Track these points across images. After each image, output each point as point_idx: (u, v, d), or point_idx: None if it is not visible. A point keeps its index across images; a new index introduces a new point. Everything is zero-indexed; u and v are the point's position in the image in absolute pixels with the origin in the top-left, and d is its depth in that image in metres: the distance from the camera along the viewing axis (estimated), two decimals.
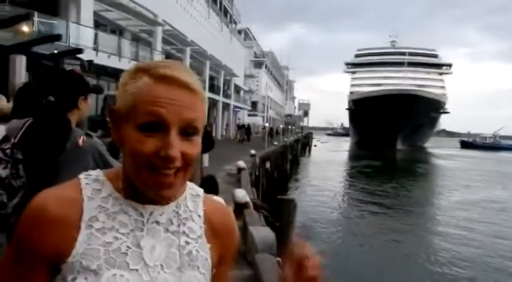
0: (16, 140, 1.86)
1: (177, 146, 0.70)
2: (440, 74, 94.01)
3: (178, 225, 0.80)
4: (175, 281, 0.76)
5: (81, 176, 0.79)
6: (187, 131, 0.72)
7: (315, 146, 61.61)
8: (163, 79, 0.71)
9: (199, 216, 0.84)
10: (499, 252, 12.11)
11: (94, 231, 0.73)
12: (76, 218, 0.73)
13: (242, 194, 5.99)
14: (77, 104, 2.01)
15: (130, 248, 0.74)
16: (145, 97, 0.70)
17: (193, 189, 0.87)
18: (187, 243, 0.80)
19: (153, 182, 0.71)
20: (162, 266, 0.76)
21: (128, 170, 0.74)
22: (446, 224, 15.61)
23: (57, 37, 12.99)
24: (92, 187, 0.77)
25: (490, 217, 17.05)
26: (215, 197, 0.94)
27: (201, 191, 0.88)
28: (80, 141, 1.87)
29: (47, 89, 2.04)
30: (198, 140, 0.74)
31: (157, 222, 0.78)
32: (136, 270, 0.73)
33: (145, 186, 0.72)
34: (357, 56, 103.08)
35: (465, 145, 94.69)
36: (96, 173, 0.80)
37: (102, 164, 1.86)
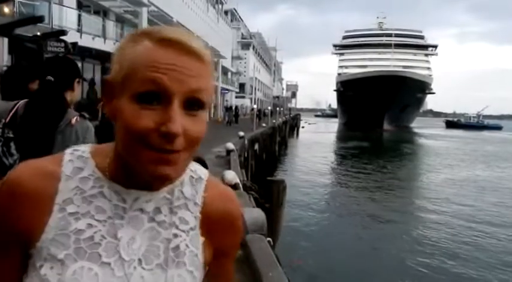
0: (7, 120, 1.87)
1: (180, 122, 0.59)
2: (426, 55, 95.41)
3: (167, 215, 0.70)
4: (153, 280, 0.66)
5: (68, 150, 0.70)
6: (192, 105, 0.61)
7: (302, 127, 61.86)
8: (167, 43, 0.60)
9: (195, 204, 0.72)
10: (481, 229, 12.39)
11: (67, 216, 0.65)
12: (50, 198, 0.65)
13: (231, 176, 6.01)
14: (73, 86, 2.07)
15: (105, 238, 0.65)
16: (144, 62, 0.60)
17: (195, 171, 0.75)
18: (175, 236, 0.69)
19: (151, 158, 0.60)
20: (140, 260, 0.66)
21: (121, 147, 0.63)
22: (430, 202, 15.90)
23: (40, 19, 12.72)
24: (74, 165, 0.68)
25: (473, 195, 17.43)
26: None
27: (204, 173, 0.76)
28: (73, 121, 1.91)
29: (39, 71, 2.08)
30: (204, 115, 0.63)
31: (141, 210, 0.68)
32: (109, 264, 0.64)
33: (141, 165, 0.61)
34: (345, 37, 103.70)
35: (450, 125, 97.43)
36: (83, 148, 0.71)
37: None
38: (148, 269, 0.66)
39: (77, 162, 0.68)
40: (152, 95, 0.59)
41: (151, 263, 0.67)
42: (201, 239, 0.72)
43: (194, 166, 0.75)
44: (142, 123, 0.59)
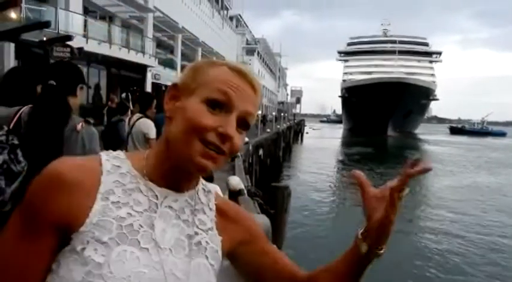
0: (11, 127, 1.85)
1: (234, 131, 0.75)
2: (430, 62, 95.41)
3: (190, 215, 0.81)
4: (184, 266, 0.76)
5: (102, 153, 0.79)
6: (242, 123, 0.77)
7: (307, 133, 61.78)
8: (239, 72, 0.78)
9: (210, 209, 0.86)
10: (483, 236, 12.33)
11: (109, 204, 0.73)
12: (93, 188, 0.73)
13: (236, 181, 5.97)
14: (75, 91, 2.06)
15: (142, 227, 0.74)
16: (221, 79, 0.76)
17: (205, 185, 0.89)
18: (196, 233, 0.81)
19: (201, 151, 0.73)
20: (171, 250, 0.76)
21: (175, 137, 0.75)
22: (437, 209, 15.80)
23: (46, 24, 12.80)
24: (112, 163, 0.77)
25: (476, 202, 17.34)
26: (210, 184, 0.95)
27: (213, 188, 0.91)
28: (79, 127, 1.90)
29: (40, 75, 2.05)
30: (244, 136, 0.79)
31: (170, 207, 0.78)
32: (147, 249, 0.72)
33: (191, 154, 0.73)
34: (349, 44, 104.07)
35: (454, 131, 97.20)
36: (117, 152, 0.81)
37: (90, 153, 1.85)
38: (179, 257, 0.76)
39: (114, 161, 0.78)
40: (220, 103, 0.75)
41: (180, 253, 0.77)
42: (219, 238, 0.84)
43: (203, 181, 0.89)
44: (206, 120, 0.73)
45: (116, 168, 0.77)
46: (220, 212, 0.88)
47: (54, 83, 1.95)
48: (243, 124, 0.77)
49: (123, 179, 0.76)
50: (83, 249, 0.69)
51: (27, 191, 0.73)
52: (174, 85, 0.80)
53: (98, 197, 0.72)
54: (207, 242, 0.81)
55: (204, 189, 0.88)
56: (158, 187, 0.78)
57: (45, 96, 1.96)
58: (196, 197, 0.84)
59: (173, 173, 0.79)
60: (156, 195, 0.77)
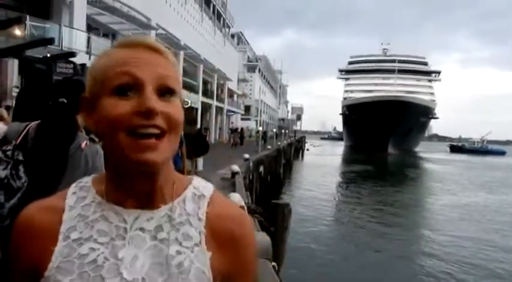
0: (18, 142, 1.86)
1: (156, 101, 0.64)
2: (429, 80, 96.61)
3: (170, 232, 0.70)
4: None
5: (73, 184, 0.75)
6: (164, 89, 0.66)
7: (307, 150, 61.79)
8: (128, 45, 0.68)
9: (199, 219, 0.72)
10: (483, 252, 12.30)
11: (71, 243, 0.68)
12: (55, 230, 0.69)
13: (237, 198, 5.96)
14: None
15: (108, 259, 0.67)
16: (115, 62, 0.66)
17: (197, 188, 0.75)
18: (178, 252, 0.69)
19: (134, 145, 0.63)
20: (144, 279, 0.66)
21: (106, 142, 0.67)
22: (434, 226, 15.78)
23: (50, 41, 12.95)
24: (78, 195, 0.72)
25: (474, 221, 17.30)
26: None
27: (208, 190, 0.76)
28: (83, 145, 1.89)
29: (50, 93, 2.06)
30: (177, 102, 0.68)
31: (142, 229, 0.69)
32: None
33: (125, 154, 0.64)
34: (350, 63, 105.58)
35: (454, 149, 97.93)
36: (86, 179, 0.75)
37: (93, 171, 1.86)
38: None
39: (80, 193, 0.73)
40: (127, 86, 0.65)
41: (156, 281, 0.67)
42: (208, 254, 0.70)
43: (198, 183, 0.76)
44: (120, 109, 0.64)
45: (80, 201, 0.71)
46: (211, 226, 0.72)
47: (65, 101, 1.96)
48: (166, 91, 0.66)
49: (86, 211, 0.70)
50: None
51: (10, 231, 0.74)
52: (82, 99, 0.71)
53: (59, 238, 0.69)
54: (191, 261, 0.69)
55: (195, 193, 0.74)
56: (126, 209, 0.69)
57: (53, 114, 1.97)
58: (179, 207, 0.72)
59: (134, 187, 0.69)
60: (124, 219, 0.69)
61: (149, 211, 0.70)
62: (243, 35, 69.19)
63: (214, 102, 38.61)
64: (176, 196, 0.72)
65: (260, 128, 35.35)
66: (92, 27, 20.69)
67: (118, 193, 0.70)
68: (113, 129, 0.64)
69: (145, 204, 0.70)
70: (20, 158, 1.82)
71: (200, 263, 0.69)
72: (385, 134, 69.36)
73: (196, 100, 32.18)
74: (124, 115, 0.63)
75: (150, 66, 0.66)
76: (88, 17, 18.93)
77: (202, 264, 0.69)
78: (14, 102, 2.35)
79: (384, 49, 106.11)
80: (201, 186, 0.76)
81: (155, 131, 0.64)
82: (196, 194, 0.74)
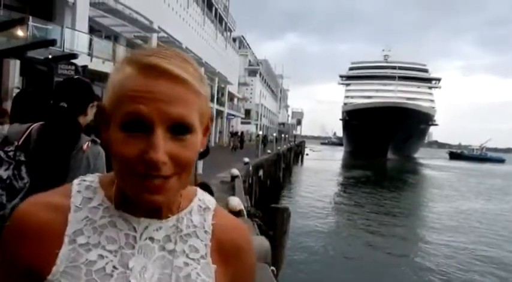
0: (20, 143, 1.86)
1: (164, 148, 0.59)
2: (430, 87, 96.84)
3: (177, 243, 0.68)
4: None
5: (76, 181, 0.70)
6: (178, 130, 0.60)
7: (307, 154, 61.82)
8: (146, 69, 0.60)
9: (205, 231, 0.71)
10: (480, 258, 12.35)
11: (77, 247, 0.64)
12: (60, 231, 0.65)
13: (236, 202, 5.95)
14: (86, 111, 2.04)
15: (117, 268, 0.64)
16: (126, 91, 0.60)
17: (202, 201, 0.74)
18: (186, 264, 0.68)
19: (141, 187, 0.60)
20: None
21: (115, 175, 0.64)
22: (432, 232, 15.83)
23: (52, 42, 12.98)
24: (83, 195, 0.68)
25: (473, 227, 17.38)
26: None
27: (212, 203, 0.75)
28: (85, 146, 1.89)
29: (52, 94, 2.06)
30: (194, 139, 0.62)
31: (151, 239, 0.67)
32: None
33: (133, 193, 0.62)
34: (351, 69, 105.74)
35: (453, 156, 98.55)
36: (91, 179, 0.71)
37: (94, 172, 1.85)
38: None
39: (86, 193, 0.68)
40: (134, 123, 0.59)
41: None
42: (213, 267, 0.69)
43: (202, 195, 0.75)
44: (127, 151, 0.59)
45: (86, 202, 0.67)
46: (216, 238, 0.72)
47: (66, 105, 1.95)
48: (181, 129, 0.60)
49: (93, 215, 0.66)
50: None
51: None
52: (100, 108, 0.66)
53: (65, 240, 0.64)
54: (197, 273, 0.68)
55: (200, 206, 0.73)
56: (135, 217, 0.67)
57: (55, 118, 1.96)
58: (186, 218, 0.71)
59: (143, 206, 0.66)
60: (134, 227, 0.66)
61: (158, 221, 0.68)
62: (244, 38, 69.46)
63: (215, 106, 38.63)
64: (183, 207, 0.71)
65: (260, 132, 35.34)
66: (94, 29, 20.75)
67: (127, 201, 0.66)
68: (122, 171, 0.61)
69: (153, 214, 0.68)
70: (22, 158, 1.82)
71: (206, 276, 0.68)
72: (384, 140, 69.68)
73: None
74: (130, 160, 0.59)
75: (163, 103, 0.59)
76: (90, 19, 18.99)
77: (208, 276, 0.68)
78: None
79: (385, 56, 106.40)
80: (205, 199, 0.75)
81: (160, 180, 0.60)
82: (202, 207, 0.73)
